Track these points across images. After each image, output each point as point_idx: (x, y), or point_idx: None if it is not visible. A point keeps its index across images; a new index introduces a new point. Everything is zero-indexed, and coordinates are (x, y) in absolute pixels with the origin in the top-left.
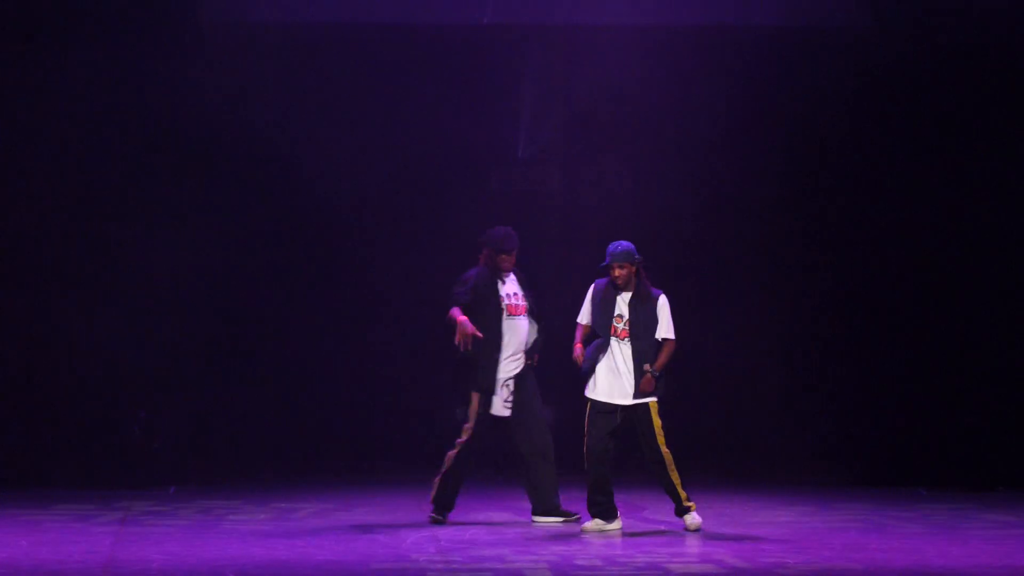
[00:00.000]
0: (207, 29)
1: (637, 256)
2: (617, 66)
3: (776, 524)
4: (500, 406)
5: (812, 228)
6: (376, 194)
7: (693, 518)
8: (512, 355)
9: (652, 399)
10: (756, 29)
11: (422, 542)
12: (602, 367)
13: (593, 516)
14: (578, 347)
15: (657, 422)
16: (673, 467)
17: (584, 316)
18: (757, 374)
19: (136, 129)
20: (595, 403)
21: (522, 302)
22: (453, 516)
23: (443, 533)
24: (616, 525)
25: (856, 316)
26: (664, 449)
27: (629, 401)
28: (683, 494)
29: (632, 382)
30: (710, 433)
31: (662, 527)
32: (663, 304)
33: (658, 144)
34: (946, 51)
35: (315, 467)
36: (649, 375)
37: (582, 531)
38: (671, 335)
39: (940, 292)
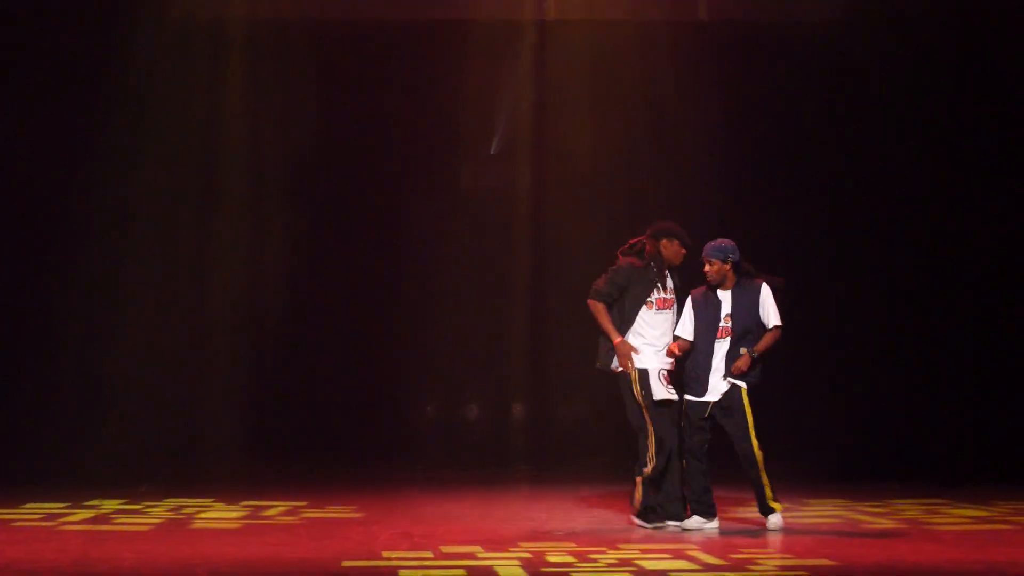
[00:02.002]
0: (175, 25)
1: (732, 255)
2: (590, 62)
3: (748, 520)
4: (663, 391)
5: (787, 228)
6: (345, 190)
7: (778, 519)
8: (661, 348)
9: (744, 384)
10: (730, 24)
11: (394, 539)
12: (704, 371)
13: (692, 513)
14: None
15: (749, 411)
16: (763, 464)
17: (685, 332)
18: None
19: (104, 123)
20: (691, 403)
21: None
22: (429, 513)
23: (416, 529)
24: (715, 524)
25: (826, 311)
26: (755, 442)
27: (720, 395)
28: (770, 492)
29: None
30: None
31: (635, 524)
32: (766, 294)
33: (631, 139)
34: (916, 42)
35: (286, 465)
36: (747, 353)
37: (682, 528)
38: (779, 322)
39: (911, 287)
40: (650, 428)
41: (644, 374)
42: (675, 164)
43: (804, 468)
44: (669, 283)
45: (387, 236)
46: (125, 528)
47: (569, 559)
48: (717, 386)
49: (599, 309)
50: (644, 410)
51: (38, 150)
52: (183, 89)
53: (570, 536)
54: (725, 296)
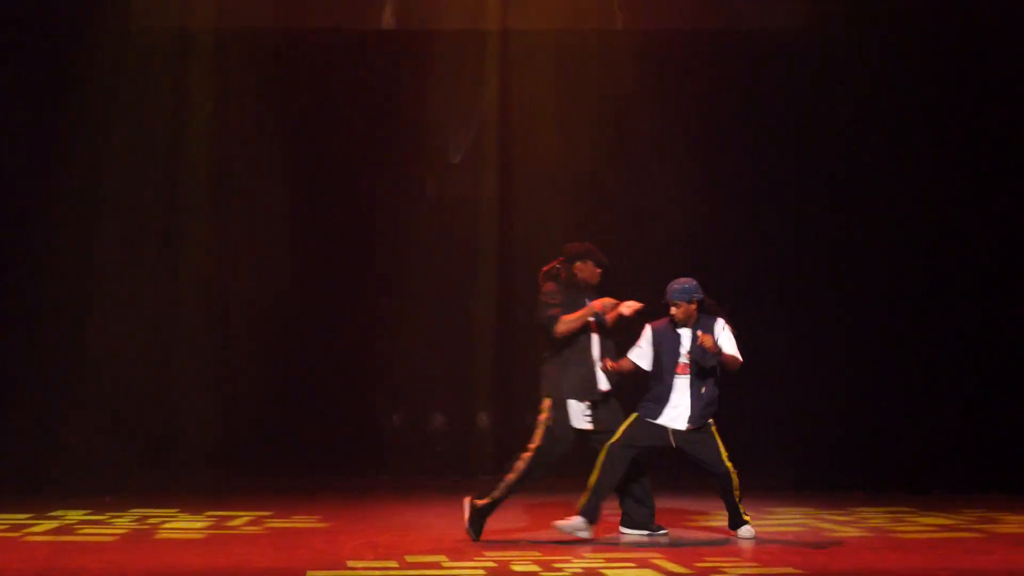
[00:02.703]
0: (141, 34)
1: (696, 294)
2: (554, 71)
3: (713, 528)
4: (582, 420)
5: (749, 237)
6: (310, 199)
7: (749, 530)
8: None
9: (710, 419)
10: (689, 32)
11: (360, 549)
12: (662, 402)
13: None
14: (624, 362)
15: (719, 438)
16: (738, 483)
17: (639, 358)
18: None
19: (71, 132)
20: (643, 422)
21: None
22: (394, 522)
23: (381, 539)
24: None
25: (792, 318)
26: (729, 464)
27: (683, 426)
28: (742, 507)
29: (688, 414)
30: None
31: (601, 532)
32: (720, 328)
33: (596, 148)
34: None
35: (252, 474)
36: (714, 343)
37: (556, 526)
38: (735, 354)
39: (875, 294)
40: (531, 454)
41: (561, 402)
42: (641, 171)
43: (769, 475)
44: None
45: (353, 245)
46: (90, 539)
47: (534, 568)
48: (674, 420)
49: (564, 320)
50: (542, 431)
51: (3, 158)
52: (149, 97)
53: (535, 545)
54: (685, 333)
